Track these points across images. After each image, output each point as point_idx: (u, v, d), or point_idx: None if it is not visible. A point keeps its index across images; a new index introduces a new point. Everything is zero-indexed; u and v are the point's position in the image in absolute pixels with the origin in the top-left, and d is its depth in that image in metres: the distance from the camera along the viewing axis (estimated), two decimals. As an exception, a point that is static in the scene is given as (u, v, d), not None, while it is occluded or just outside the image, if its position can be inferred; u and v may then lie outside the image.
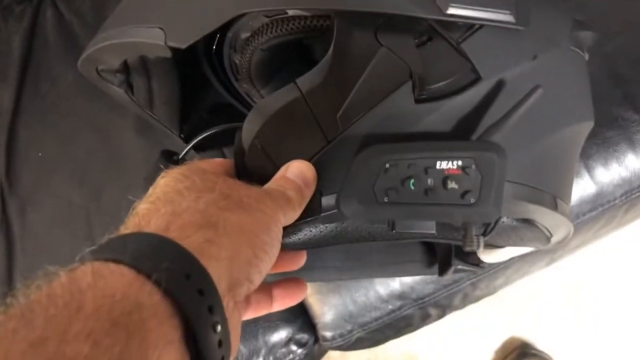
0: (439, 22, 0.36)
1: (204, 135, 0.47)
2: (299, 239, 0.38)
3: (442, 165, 0.32)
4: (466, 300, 0.73)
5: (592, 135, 0.65)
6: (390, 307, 0.70)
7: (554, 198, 0.39)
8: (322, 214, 0.35)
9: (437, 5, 0.35)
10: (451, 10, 0.35)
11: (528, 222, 0.40)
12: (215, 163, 0.38)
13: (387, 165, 0.32)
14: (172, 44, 0.37)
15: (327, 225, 0.37)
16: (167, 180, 0.32)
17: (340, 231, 0.38)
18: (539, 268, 0.78)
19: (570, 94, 0.41)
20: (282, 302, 0.42)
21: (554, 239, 0.45)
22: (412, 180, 0.32)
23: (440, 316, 0.74)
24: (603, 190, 0.67)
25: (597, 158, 0.66)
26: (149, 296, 0.23)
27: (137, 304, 0.23)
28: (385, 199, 0.32)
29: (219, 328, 0.25)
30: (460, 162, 0.32)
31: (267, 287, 0.41)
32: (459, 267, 0.55)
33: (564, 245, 0.72)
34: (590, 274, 1.15)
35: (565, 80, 0.41)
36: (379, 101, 0.35)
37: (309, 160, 0.36)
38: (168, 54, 0.39)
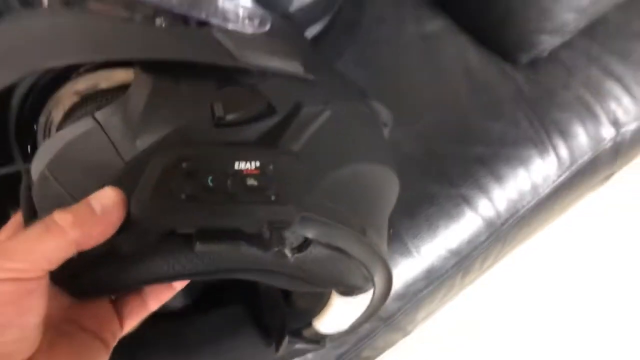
0: (235, 68, 0.40)
1: None
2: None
3: (241, 165, 0.33)
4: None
5: (415, 215, 0.71)
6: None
7: (362, 225, 0.40)
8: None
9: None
10: (244, 59, 0.39)
11: (342, 252, 0.41)
12: None
13: (184, 165, 0.32)
14: None
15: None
16: None
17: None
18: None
19: (362, 133, 0.45)
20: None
21: (376, 281, 0.44)
22: (210, 178, 0.32)
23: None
24: (434, 265, 0.71)
25: (423, 237, 0.70)
26: None
27: None
28: (183, 196, 0.32)
29: None
30: (257, 163, 0.33)
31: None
32: (297, 346, 0.52)
33: (411, 320, 0.73)
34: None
35: (357, 118, 0.45)
36: (175, 127, 0.35)
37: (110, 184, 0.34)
38: None
